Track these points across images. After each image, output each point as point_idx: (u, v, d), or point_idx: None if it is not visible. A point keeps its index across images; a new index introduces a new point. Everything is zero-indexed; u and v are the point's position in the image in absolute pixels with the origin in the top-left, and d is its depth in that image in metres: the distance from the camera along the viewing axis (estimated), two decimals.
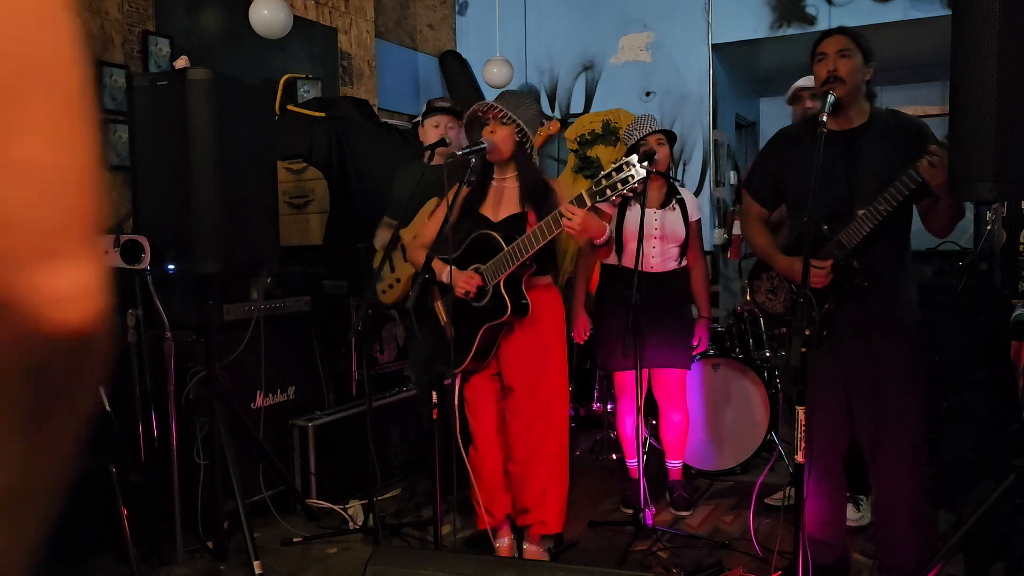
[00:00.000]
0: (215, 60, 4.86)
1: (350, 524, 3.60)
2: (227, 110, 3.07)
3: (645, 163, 2.62)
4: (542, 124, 3.29)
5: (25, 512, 0.41)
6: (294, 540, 3.44)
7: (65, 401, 0.41)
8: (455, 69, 7.10)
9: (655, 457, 4.21)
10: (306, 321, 4.02)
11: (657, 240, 3.68)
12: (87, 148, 0.39)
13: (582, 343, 3.90)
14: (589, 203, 2.66)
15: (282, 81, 5.22)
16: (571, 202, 2.69)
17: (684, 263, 3.78)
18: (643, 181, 2.62)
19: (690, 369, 3.83)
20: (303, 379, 4.00)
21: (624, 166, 2.57)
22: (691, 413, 3.91)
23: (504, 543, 3.22)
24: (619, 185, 2.58)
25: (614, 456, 4.52)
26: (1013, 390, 3.26)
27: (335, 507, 3.73)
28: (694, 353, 3.85)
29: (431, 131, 3.76)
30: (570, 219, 2.67)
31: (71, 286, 0.38)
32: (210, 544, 3.29)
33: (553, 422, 3.05)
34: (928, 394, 2.68)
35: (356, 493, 3.84)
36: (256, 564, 3.01)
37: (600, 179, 2.62)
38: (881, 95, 2.83)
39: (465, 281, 2.91)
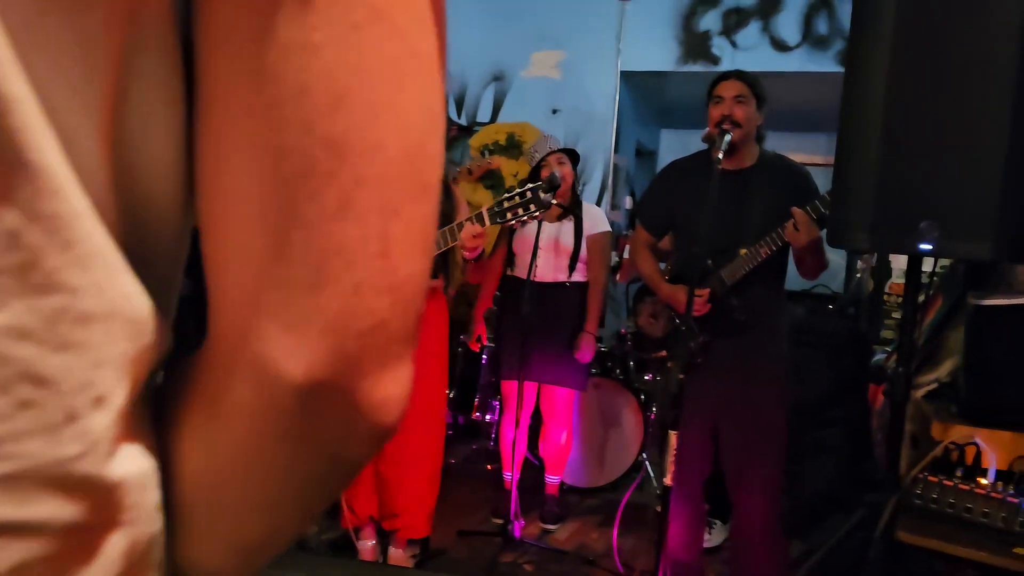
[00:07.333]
0: None
1: None
2: None
3: (550, 194, 2.63)
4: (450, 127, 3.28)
5: None
6: None
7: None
8: None
9: (531, 471, 4.23)
10: None
11: (545, 251, 3.61)
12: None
13: (477, 350, 3.88)
14: (488, 222, 2.65)
15: None
16: (470, 218, 2.68)
17: (575, 277, 3.72)
18: (545, 208, 2.63)
19: (582, 390, 3.81)
20: None
21: (529, 192, 2.56)
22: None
23: (367, 545, 3.18)
24: (520, 210, 2.57)
25: (489, 467, 4.53)
26: (869, 429, 3.46)
27: None
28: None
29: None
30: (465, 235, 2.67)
31: (397, 391, 0.40)
32: None
33: (431, 426, 3.04)
34: (792, 428, 2.81)
35: None
36: None
37: (503, 200, 2.60)
38: (771, 140, 2.95)
39: None
